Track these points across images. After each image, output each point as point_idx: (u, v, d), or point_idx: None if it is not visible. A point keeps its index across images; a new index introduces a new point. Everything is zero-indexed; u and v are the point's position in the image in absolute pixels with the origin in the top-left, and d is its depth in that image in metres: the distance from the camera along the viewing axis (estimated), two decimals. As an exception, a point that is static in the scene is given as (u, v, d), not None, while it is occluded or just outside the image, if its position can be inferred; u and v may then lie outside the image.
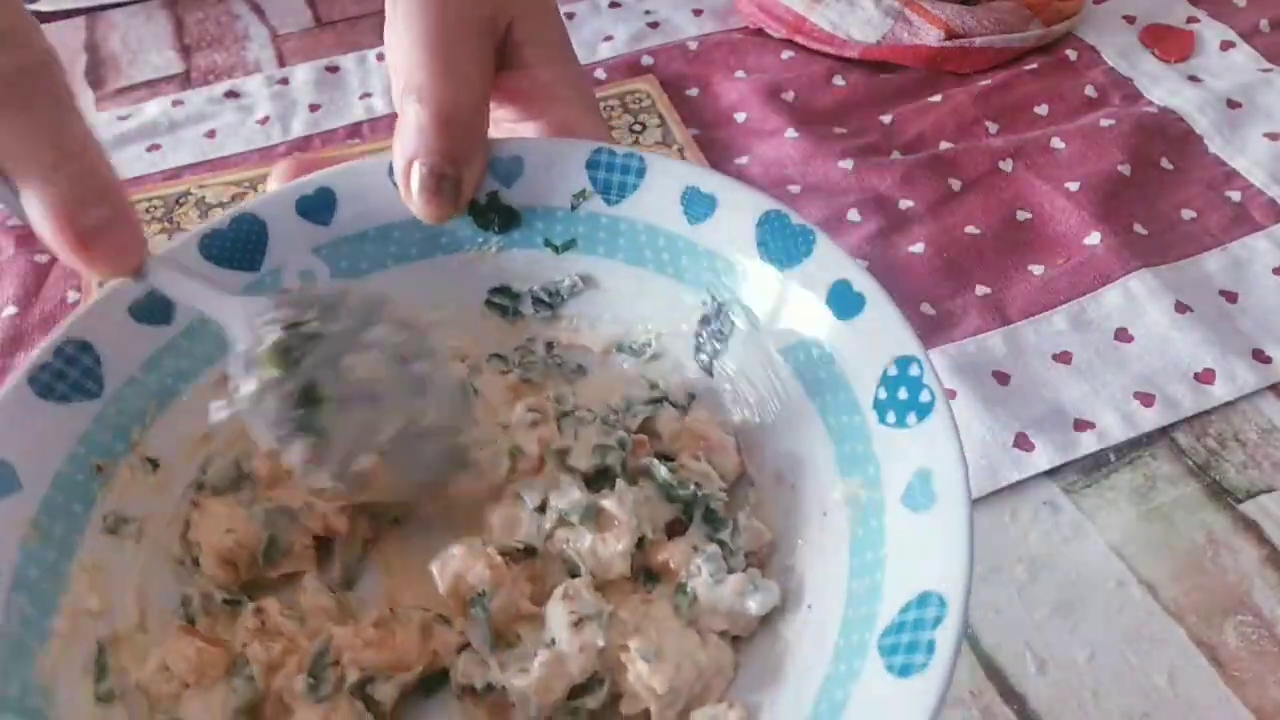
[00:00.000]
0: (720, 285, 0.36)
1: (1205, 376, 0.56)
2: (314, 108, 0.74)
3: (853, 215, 0.64)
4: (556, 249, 0.37)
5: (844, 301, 0.33)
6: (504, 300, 0.39)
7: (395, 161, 0.35)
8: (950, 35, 0.72)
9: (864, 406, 0.32)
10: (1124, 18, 0.78)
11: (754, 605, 0.33)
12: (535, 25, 0.36)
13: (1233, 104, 0.70)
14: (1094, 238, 0.62)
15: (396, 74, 0.34)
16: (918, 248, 0.63)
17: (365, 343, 0.33)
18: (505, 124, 0.38)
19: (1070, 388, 0.56)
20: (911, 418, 0.31)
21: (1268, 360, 0.57)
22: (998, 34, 0.73)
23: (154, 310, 0.35)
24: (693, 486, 0.35)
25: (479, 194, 0.36)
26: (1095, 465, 0.53)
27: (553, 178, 0.36)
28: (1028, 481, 0.53)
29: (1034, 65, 0.74)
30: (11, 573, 0.32)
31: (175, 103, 0.75)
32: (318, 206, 0.37)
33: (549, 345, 0.40)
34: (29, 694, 0.31)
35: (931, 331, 0.58)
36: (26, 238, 0.66)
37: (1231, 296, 0.60)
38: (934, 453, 0.30)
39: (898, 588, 0.29)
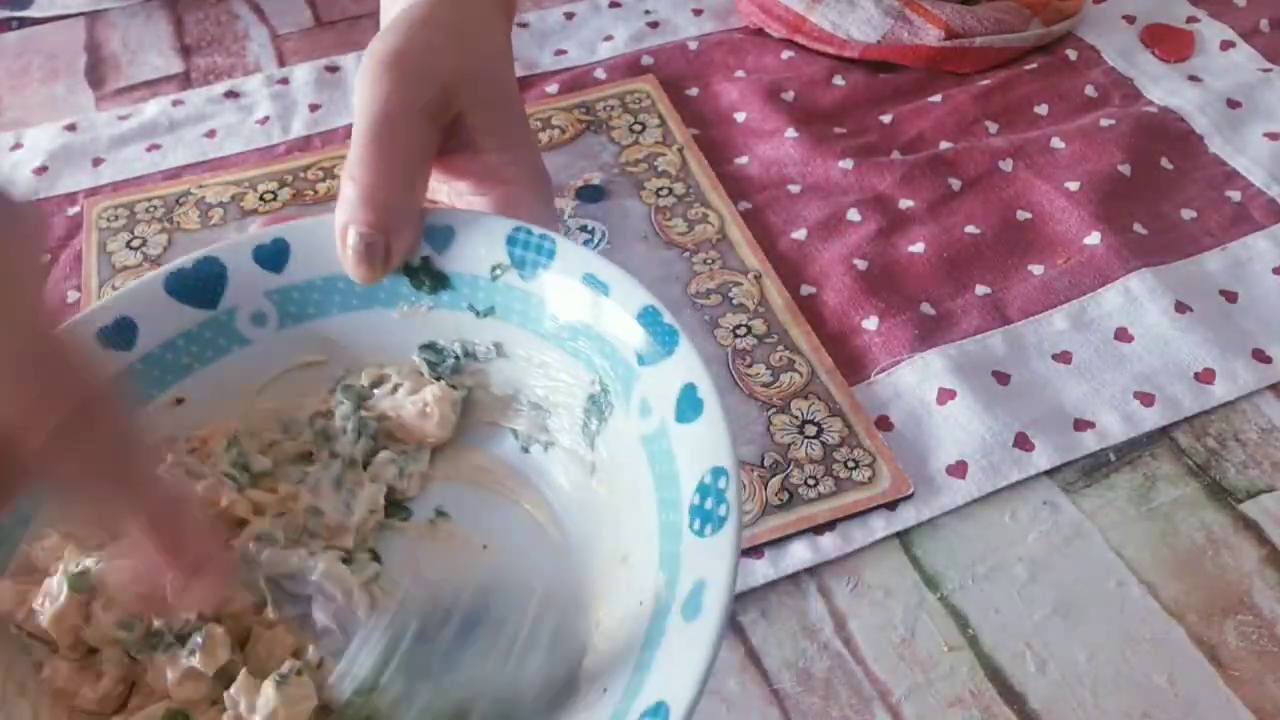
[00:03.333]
0: (605, 369, 0.39)
1: (1205, 376, 0.56)
2: (314, 108, 0.74)
3: (853, 215, 0.64)
4: (478, 313, 0.41)
5: (688, 404, 0.35)
6: (432, 356, 0.42)
7: (336, 225, 0.38)
8: (950, 35, 0.72)
9: (684, 508, 0.34)
10: (1124, 17, 0.78)
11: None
12: (487, 114, 0.40)
13: (1233, 104, 0.70)
14: (1094, 238, 0.62)
15: None
16: (918, 248, 0.63)
17: (464, 660, 0.35)
18: (466, 195, 0.42)
19: (1070, 388, 0.56)
20: (709, 529, 0.33)
21: (1268, 360, 0.57)
22: (998, 34, 0.73)
23: (118, 337, 0.39)
24: None
25: (414, 257, 0.40)
26: (1095, 465, 0.53)
27: (477, 249, 0.40)
28: (1028, 481, 0.53)
29: (1034, 65, 0.74)
30: None
31: (175, 103, 0.75)
32: (273, 255, 0.41)
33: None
34: None
35: (931, 331, 0.58)
36: (26, 238, 0.66)
37: (1231, 296, 0.60)
38: (713, 566, 0.32)
39: (648, 692, 0.31)
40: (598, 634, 0.36)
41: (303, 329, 0.42)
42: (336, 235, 0.38)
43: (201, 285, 0.40)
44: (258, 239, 0.41)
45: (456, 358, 0.42)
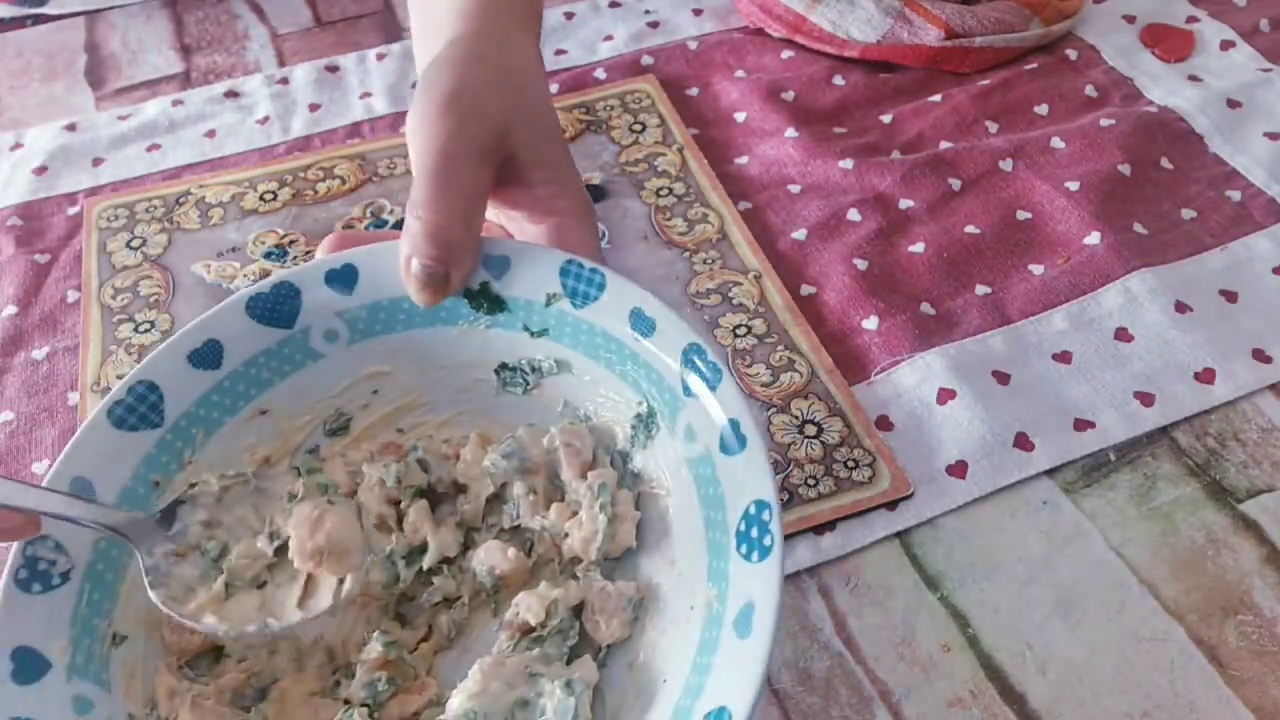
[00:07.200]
0: (652, 394, 0.42)
1: (1205, 376, 0.56)
2: (314, 107, 0.74)
3: (853, 215, 0.64)
4: (533, 334, 0.44)
5: (734, 438, 0.39)
6: (508, 374, 0.46)
7: (401, 255, 0.42)
8: (950, 35, 0.72)
9: (731, 530, 0.38)
10: (1124, 17, 0.78)
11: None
12: (538, 152, 0.43)
13: (1233, 103, 0.70)
14: (1094, 238, 0.62)
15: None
16: (918, 248, 0.63)
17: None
18: (520, 223, 0.45)
19: (1070, 388, 0.56)
20: (755, 556, 0.37)
21: (1268, 360, 0.57)
22: (998, 34, 0.73)
23: (207, 357, 0.43)
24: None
25: (474, 281, 0.43)
26: (1095, 465, 0.53)
27: (533, 277, 0.43)
28: (1028, 481, 0.53)
29: (1034, 65, 0.74)
30: (85, 568, 0.40)
31: (175, 103, 0.75)
32: (343, 279, 0.44)
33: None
34: (93, 662, 0.39)
35: (931, 331, 0.58)
36: (26, 238, 0.66)
37: (1231, 296, 0.60)
38: (762, 591, 0.36)
39: (710, 696, 0.35)
40: (652, 628, 0.41)
41: (371, 343, 0.45)
42: (401, 264, 0.42)
43: (279, 307, 0.44)
44: (329, 264, 0.44)
45: (525, 374, 0.46)
